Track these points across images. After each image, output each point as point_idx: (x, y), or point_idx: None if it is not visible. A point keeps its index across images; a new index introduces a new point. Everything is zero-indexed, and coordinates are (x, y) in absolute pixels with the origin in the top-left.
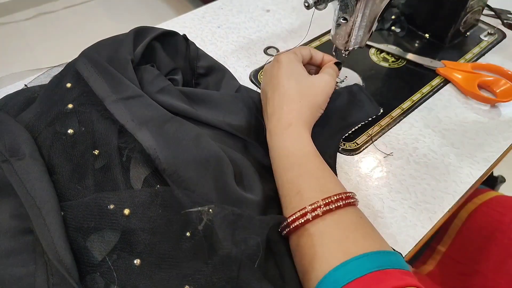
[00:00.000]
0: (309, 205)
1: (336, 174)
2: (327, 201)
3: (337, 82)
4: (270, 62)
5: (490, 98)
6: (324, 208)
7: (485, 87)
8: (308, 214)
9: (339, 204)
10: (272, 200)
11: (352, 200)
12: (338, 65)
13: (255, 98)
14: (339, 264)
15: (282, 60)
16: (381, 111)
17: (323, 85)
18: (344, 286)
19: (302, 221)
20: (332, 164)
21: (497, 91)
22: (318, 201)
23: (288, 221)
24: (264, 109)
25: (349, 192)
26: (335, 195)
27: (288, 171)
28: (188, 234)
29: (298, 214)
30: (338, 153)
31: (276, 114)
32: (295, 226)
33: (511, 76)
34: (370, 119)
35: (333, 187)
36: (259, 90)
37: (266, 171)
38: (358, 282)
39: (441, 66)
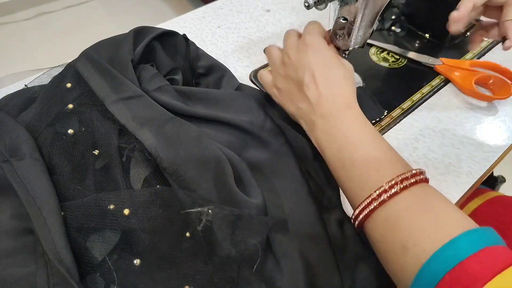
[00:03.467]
0: (398, 176)
1: None
2: (414, 172)
3: None
4: (292, 46)
5: (486, 95)
6: (412, 180)
7: (483, 84)
8: (398, 184)
9: (424, 177)
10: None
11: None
12: None
13: (256, 95)
14: (449, 241)
15: (314, 43)
16: (385, 113)
17: (352, 68)
18: (462, 261)
19: (392, 192)
20: None
21: (494, 88)
22: (405, 173)
23: (374, 196)
24: (295, 97)
25: (423, 170)
26: (417, 169)
27: (359, 149)
28: (188, 234)
29: (386, 186)
30: None
31: (326, 97)
32: (382, 200)
33: (508, 73)
34: (373, 121)
35: (405, 163)
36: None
37: (260, 175)
38: (474, 257)
39: (440, 63)
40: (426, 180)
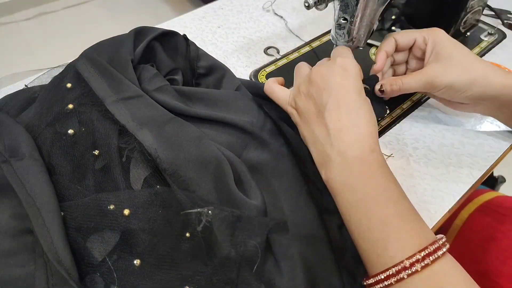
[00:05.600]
0: (420, 251)
1: None
2: (437, 245)
3: None
4: (323, 63)
5: None
6: (435, 255)
7: None
8: (420, 262)
9: (446, 250)
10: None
11: (447, 247)
12: None
13: (260, 90)
14: None
15: (351, 71)
16: (388, 112)
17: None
18: None
19: (412, 271)
20: None
21: None
22: (428, 247)
23: (392, 272)
24: (311, 120)
25: (442, 236)
26: (440, 237)
27: (381, 209)
28: (187, 234)
29: (407, 263)
30: None
31: (349, 131)
32: (400, 278)
33: None
34: None
35: (428, 230)
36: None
37: (259, 176)
38: None
39: None
40: (447, 249)
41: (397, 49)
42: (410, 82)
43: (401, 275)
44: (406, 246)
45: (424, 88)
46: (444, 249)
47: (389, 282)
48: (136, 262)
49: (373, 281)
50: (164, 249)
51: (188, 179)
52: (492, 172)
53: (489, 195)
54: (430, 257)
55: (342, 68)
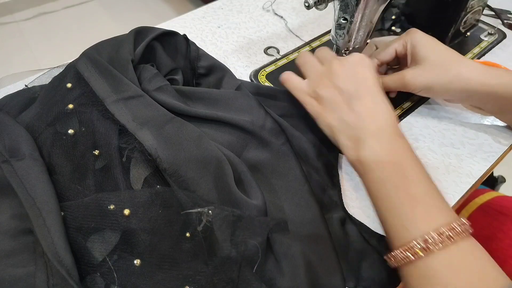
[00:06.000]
0: (448, 227)
1: (338, 175)
2: (463, 225)
3: None
4: (343, 57)
5: None
6: (461, 233)
7: None
8: (447, 237)
9: (471, 231)
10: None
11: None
12: None
13: (262, 90)
14: None
15: (369, 64)
16: None
17: None
18: None
19: (439, 244)
20: (334, 165)
21: None
22: (454, 224)
23: (420, 244)
24: (339, 109)
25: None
26: (464, 219)
27: (412, 186)
28: (188, 234)
29: (435, 235)
30: (339, 153)
31: (379, 116)
32: (428, 249)
33: None
34: None
35: (453, 211)
36: None
37: (260, 175)
38: None
39: None
40: (470, 233)
41: (382, 63)
42: (388, 82)
43: (428, 246)
44: (434, 221)
45: (402, 89)
46: (470, 230)
47: (414, 252)
48: (137, 262)
49: (399, 252)
50: (165, 249)
51: (189, 178)
52: (492, 172)
53: (489, 195)
54: (457, 234)
55: (361, 60)
